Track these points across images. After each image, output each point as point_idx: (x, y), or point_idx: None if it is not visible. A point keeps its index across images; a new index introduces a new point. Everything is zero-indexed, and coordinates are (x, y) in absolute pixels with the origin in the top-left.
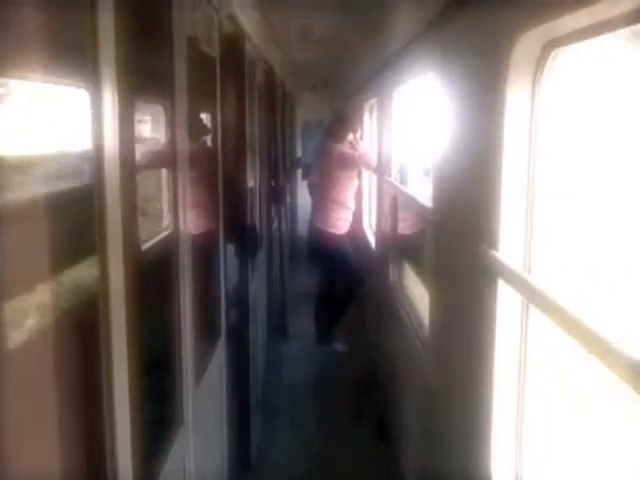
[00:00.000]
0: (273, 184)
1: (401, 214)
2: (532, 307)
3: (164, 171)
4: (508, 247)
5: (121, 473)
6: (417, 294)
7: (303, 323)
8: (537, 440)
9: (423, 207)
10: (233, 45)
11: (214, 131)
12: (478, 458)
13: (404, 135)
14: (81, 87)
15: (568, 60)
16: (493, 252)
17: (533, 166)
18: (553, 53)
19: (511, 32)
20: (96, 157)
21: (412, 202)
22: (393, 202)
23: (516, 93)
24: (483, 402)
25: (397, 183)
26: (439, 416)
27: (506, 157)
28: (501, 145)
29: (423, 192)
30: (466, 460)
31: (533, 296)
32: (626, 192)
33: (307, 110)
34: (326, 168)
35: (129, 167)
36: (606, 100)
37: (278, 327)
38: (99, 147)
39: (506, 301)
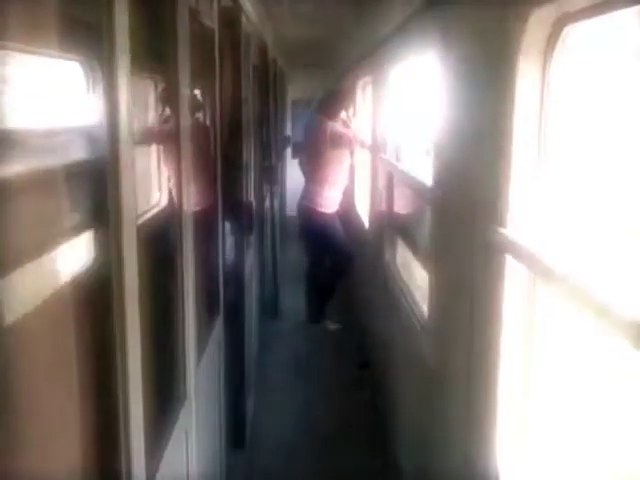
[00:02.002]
0: (265, 162)
1: (396, 192)
2: (541, 284)
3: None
4: (517, 224)
5: (134, 443)
6: (414, 273)
7: (294, 301)
8: (545, 424)
9: (422, 185)
10: (230, 19)
11: (212, 107)
12: (481, 442)
13: (401, 113)
14: (93, 61)
15: (579, 37)
16: (501, 229)
17: (543, 143)
18: (565, 29)
19: (522, 7)
20: (110, 130)
21: (410, 180)
22: (388, 180)
23: (527, 70)
24: (487, 383)
25: (393, 161)
26: (439, 398)
27: (516, 134)
28: (511, 122)
29: (421, 170)
30: (468, 444)
31: (544, 272)
32: (637, 169)
33: (298, 88)
34: (317, 146)
35: (139, 140)
36: (617, 77)
37: (270, 305)
38: (113, 120)
39: (514, 278)
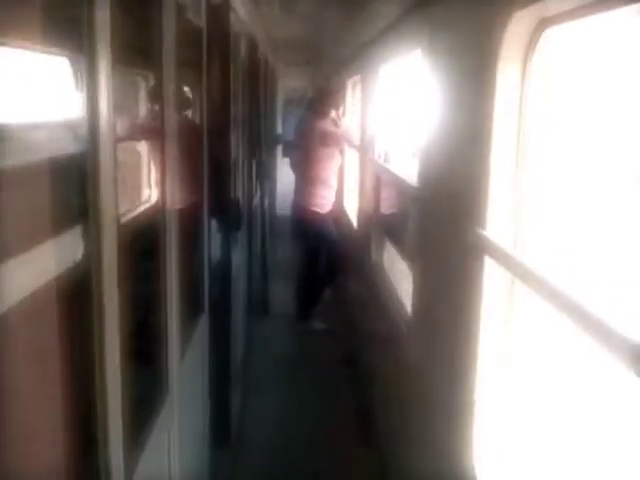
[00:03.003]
0: (255, 159)
1: (384, 193)
2: (519, 285)
3: (144, 143)
4: (496, 225)
5: (112, 437)
6: (400, 274)
7: (283, 299)
8: (523, 422)
9: (408, 186)
10: (219, 16)
11: (200, 104)
12: (460, 439)
13: (389, 113)
14: (74, 55)
15: (559, 39)
16: (480, 230)
17: (522, 145)
18: (545, 32)
19: (503, 10)
20: (90, 125)
21: (397, 181)
22: (376, 181)
23: (507, 72)
24: (467, 381)
25: (381, 162)
26: (423, 396)
27: (495, 136)
28: (490, 124)
29: (408, 172)
30: (448, 441)
31: (521, 273)
32: (615, 172)
33: (288, 86)
34: (308, 145)
35: (121, 136)
36: (595, 79)
37: (259, 304)
38: (93, 115)
39: (493, 279)
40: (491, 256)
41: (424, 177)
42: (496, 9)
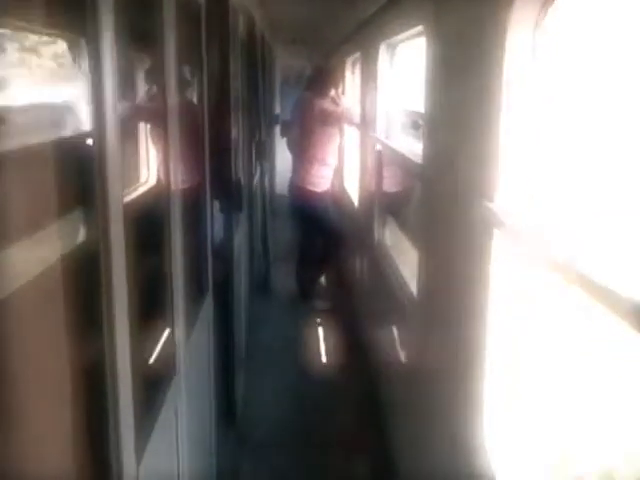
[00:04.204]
0: (255, 139)
1: (386, 171)
2: (530, 259)
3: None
4: (505, 199)
5: (123, 416)
6: (404, 252)
7: (285, 278)
8: (534, 401)
9: (412, 163)
10: None
11: (200, 84)
12: (470, 420)
13: (390, 90)
14: (79, 37)
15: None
16: (489, 204)
17: (533, 117)
18: (554, 4)
19: None
20: (95, 107)
21: (400, 158)
22: (378, 159)
23: (516, 41)
24: (476, 360)
25: (383, 139)
26: (428, 375)
27: (504, 108)
28: (499, 96)
29: (411, 148)
30: (456, 422)
31: (532, 246)
32: (626, 145)
33: (286, 65)
34: (306, 124)
35: (126, 118)
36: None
37: (260, 282)
38: (99, 97)
39: (502, 253)
40: (500, 230)
41: (429, 153)
42: None
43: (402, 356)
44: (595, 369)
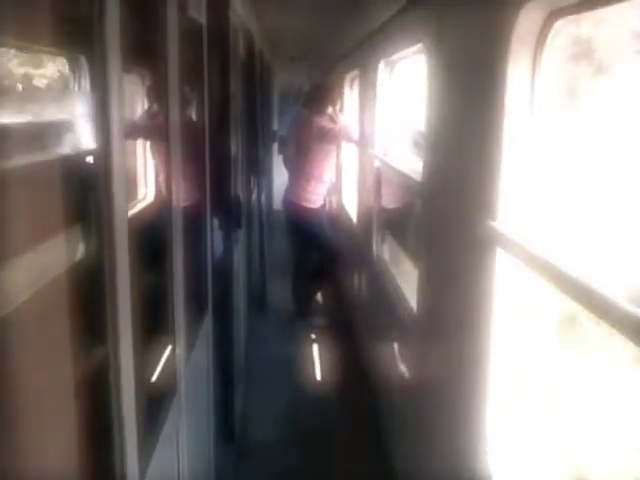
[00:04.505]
0: (253, 156)
1: (385, 188)
2: (533, 277)
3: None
4: (508, 217)
5: (127, 436)
6: (403, 268)
7: (282, 294)
8: (537, 417)
9: (412, 180)
10: (218, 12)
11: (202, 101)
12: (472, 436)
13: (389, 108)
14: (85, 56)
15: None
16: (491, 222)
17: (533, 136)
18: (556, 24)
19: (514, 1)
20: (101, 125)
21: (399, 175)
22: (376, 175)
23: (518, 63)
24: (478, 376)
25: (382, 156)
26: (429, 391)
27: (507, 128)
28: (502, 116)
29: (410, 166)
30: (459, 438)
31: (536, 264)
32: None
33: (284, 82)
34: (303, 141)
35: (130, 135)
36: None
37: (257, 299)
38: (104, 114)
39: (505, 271)
40: (503, 248)
41: (429, 170)
42: (506, 0)
43: (402, 372)
44: (598, 383)
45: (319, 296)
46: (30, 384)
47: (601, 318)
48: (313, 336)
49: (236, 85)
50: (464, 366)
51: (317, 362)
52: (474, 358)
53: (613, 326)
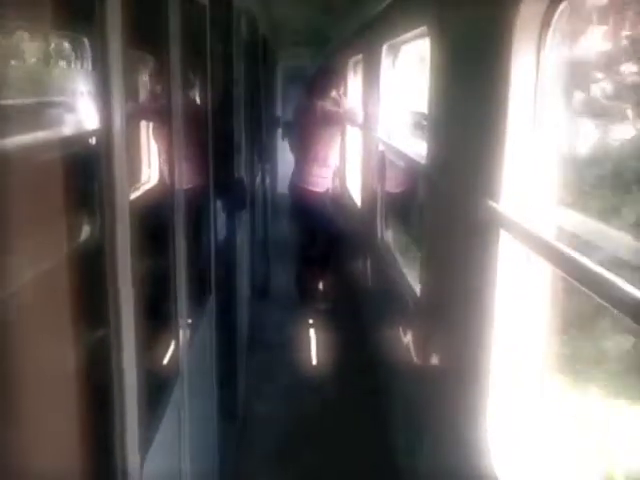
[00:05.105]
0: (256, 141)
1: (389, 171)
2: (536, 258)
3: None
4: (511, 198)
5: (128, 417)
6: (407, 252)
7: (285, 278)
8: (539, 400)
9: (415, 163)
10: None
11: (204, 84)
12: (474, 419)
13: (393, 91)
14: (85, 38)
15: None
16: (494, 204)
17: (537, 119)
18: (561, 7)
19: None
20: (103, 107)
21: (403, 158)
22: (380, 158)
23: (522, 46)
24: (481, 358)
25: (385, 139)
26: (431, 373)
27: (510, 110)
28: (505, 99)
29: (414, 148)
30: (461, 423)
31: (539, 246)
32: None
33: (288, 66)
34: (308, 125)
35: (132, 117)
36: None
37: (260, 283)
38: (106, 96)
39: (508, 252)
40: (506, 229)
41: (432, 153)
42: None
43: (406, 355)
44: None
45: (323, 280)
46: (31, 367)
47: (601, 298)
48: (317, 320)
49: (239, 69)
50: (467, 350)
51: (320, 346)
52: (477, 341)
53: (614, 306)
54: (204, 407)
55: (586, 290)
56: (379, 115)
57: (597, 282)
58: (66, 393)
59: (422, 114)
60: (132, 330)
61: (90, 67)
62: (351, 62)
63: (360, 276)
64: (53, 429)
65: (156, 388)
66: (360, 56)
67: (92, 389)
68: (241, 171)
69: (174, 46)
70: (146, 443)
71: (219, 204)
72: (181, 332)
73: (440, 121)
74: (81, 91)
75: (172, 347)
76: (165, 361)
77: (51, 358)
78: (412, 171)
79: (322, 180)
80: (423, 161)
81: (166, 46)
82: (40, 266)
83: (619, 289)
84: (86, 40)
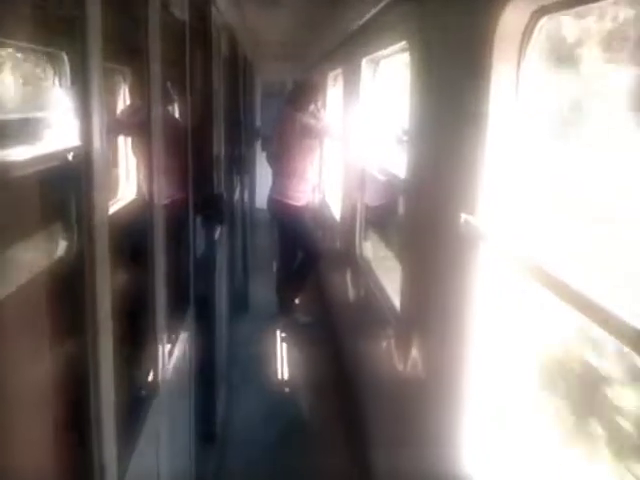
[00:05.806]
0: (235, 154)
1: (368, 186)
2: (514, 272)
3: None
4: (489, 213)
5: (105, 437)
6: (386, 265)
7: (264, 292)
8: (518, 415)
9: (395, 177)
10: (201, 10)
11: (184, 99)
12: (451, 435)
13: (372, 105)
14: (66, 53)
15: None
16: (472, 218)
17: (516, 134)
18: (541, 21)
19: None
20: (82, 122)
21: (383, 173)
22: (360, 173)
23: (502, 61)
24: (460, 373)
25: (365, 153)
26: (411, 389)
27: (489, 126)
28: (485, 113)
29: (393, 163)
30: (440, 437)
31: (517, 259)
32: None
33: (267, 80)
34: (286, 138)
35: (111, 132)
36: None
37: (240, 297)
38: (86, 112)
39: (486, 266)
40: (484, 243)
41: (412, 168)
42: None
43: (384, 370)
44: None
45: (302, 294)
46: (6, 382)
47: (585, 315)
48: (295, 335)
49: (219, 83)
50: (446, 363)
51: (298, 361)
52: (456, 355)
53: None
54: (182, 427)
55: (563, 302)
56: (358, 129)
57: (573, 293)
58: (41, 410)
59: (402, 128)
60: (110, 346)
61: (69, 83)
62: (331, 76)
63: (340, 290)
64: (28, 447)
65: (134, 406)
66: (340, 70)
67: (68, 406)
68: (220, 186)
69: (154, 62)
70: (124, 463)
71: (198, 219)
72: (159, 347)
73: (419, 136)
74: (61, 107)
75: (150, 362)
76: (143, 377)
77: (27, 375)
78: (391, 185)
79: (301, 194)
80: (402, 176)
81: (146, 62)
82: (18, 281)
83: (586, 298)
84: (65, 56)
